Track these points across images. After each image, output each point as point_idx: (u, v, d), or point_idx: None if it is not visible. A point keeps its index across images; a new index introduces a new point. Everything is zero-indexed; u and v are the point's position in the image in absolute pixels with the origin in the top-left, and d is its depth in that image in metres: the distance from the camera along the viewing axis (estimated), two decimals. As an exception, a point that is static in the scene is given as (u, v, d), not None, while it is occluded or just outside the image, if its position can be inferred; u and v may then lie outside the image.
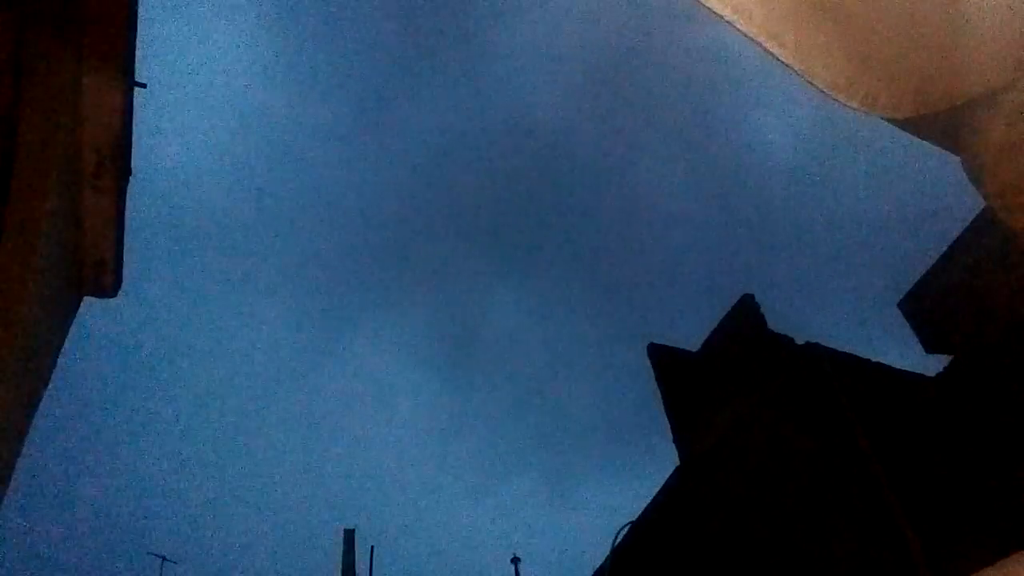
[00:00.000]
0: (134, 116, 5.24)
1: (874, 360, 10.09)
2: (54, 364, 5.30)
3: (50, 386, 5.26)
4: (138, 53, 5.02)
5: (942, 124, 1.99)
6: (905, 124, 1.95)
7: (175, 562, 16.96)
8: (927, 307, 11.23)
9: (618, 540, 10.86)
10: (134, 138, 5.28)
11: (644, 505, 11.16)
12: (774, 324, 9.97)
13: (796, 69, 1.67)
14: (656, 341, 11.71)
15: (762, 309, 10.06)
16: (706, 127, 56.60)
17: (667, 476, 10.95)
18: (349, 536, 14.68)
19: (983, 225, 9.45)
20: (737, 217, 59.67)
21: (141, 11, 4.81)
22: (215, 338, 63.94)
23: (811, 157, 53.98)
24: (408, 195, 66.87)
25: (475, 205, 69.33)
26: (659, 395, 11.28)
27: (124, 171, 5.33)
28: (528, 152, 64.10)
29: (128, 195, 5.66)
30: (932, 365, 10.74)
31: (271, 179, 66.40)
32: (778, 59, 1.65)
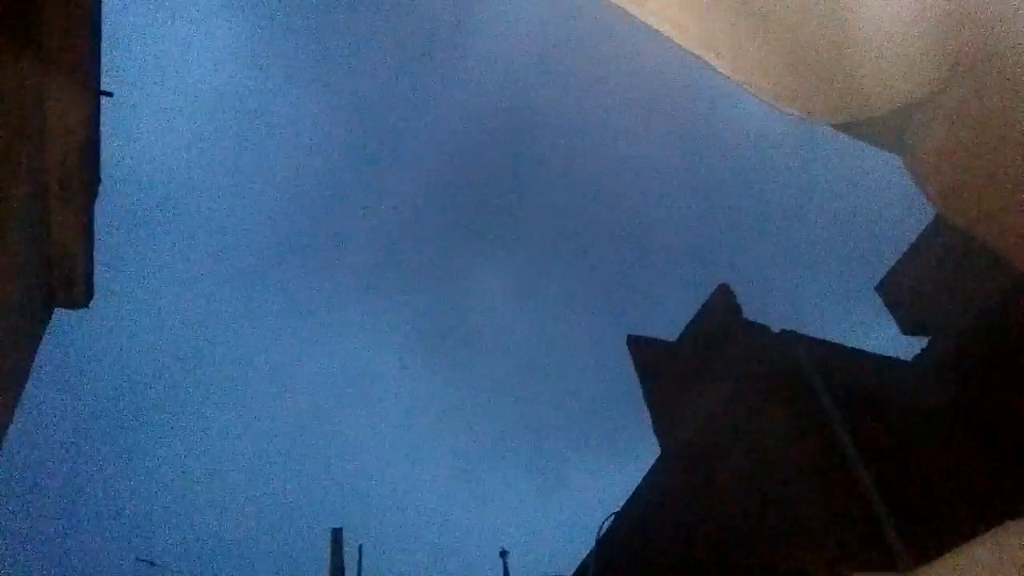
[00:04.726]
0: (108, 116, 5.22)
1: (850, 346, 10.22)
2: (27, 375, 5.28)
3: (40, 392, 5.25)
4: (112, 45, 4.99)
5: (882, 128, 2.03)
6: (845, 129, 1.99)
7: (163, 567, 16.89)
8: (903, 290, 11.40)
9: (602, 531, 10.94)
10: (110, 137, 5.26)
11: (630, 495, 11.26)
12: (753, 311, 10.07)
13: (735, 81, 1.70)
14: (642, 326, 11.81)
15: (737, 298, 10.16)
16: (686, 108, 56.68)
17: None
18: (337, 535, 14.65)
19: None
20: (719, 201, 59.83)
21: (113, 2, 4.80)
22: (200, 336, 63.55)
23: (793, 137, 54.22)
24: (393, 181, 66.67)
25: (461, 192, 69.19)
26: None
27: (92, 182, 5.31)
28: (512, 137, 64.03)
29: (98, 203, 5.64)
30: (913, 346, 10.94)
31: (252, 169, 65.90)
32: (717, 71, 1.69)
